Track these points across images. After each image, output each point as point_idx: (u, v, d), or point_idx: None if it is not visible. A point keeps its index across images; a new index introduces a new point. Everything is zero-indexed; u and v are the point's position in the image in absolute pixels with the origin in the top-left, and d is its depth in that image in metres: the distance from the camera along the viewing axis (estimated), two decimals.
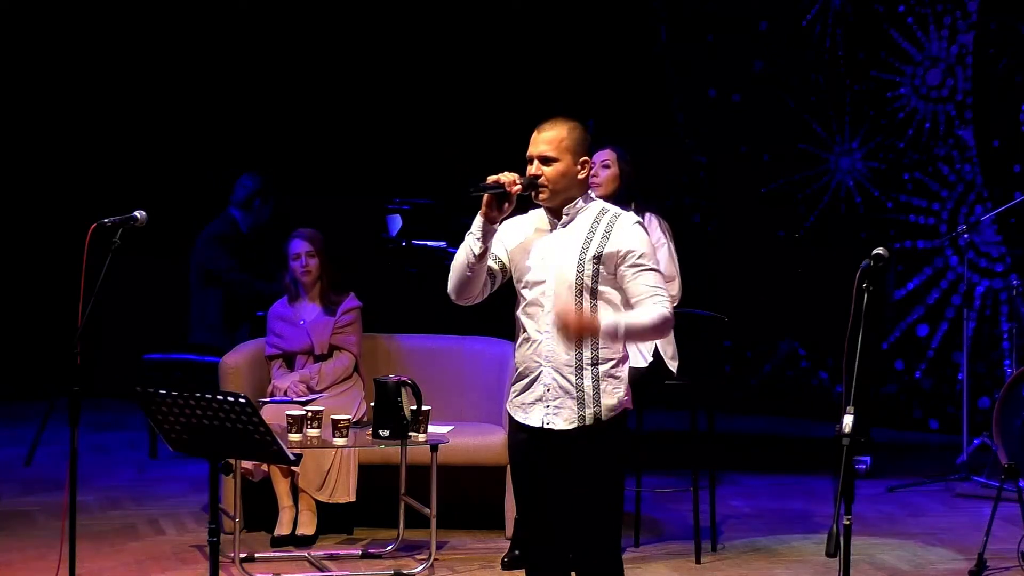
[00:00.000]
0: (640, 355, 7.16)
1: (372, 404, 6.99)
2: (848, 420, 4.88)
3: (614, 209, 5.15)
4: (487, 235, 5.04)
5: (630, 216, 5.13)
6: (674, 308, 7.03)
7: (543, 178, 5.06)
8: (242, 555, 6.88)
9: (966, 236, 9.07)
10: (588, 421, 5.04)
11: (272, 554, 7.21)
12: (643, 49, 11.25)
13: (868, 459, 8.98)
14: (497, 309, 8.49)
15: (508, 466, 7.46)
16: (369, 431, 6.93)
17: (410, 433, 6.87)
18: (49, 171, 11.17)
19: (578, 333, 4.96)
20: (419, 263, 8.92)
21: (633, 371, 7.13)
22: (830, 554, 4.79)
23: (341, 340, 7.67)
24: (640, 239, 5.06)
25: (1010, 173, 9.96)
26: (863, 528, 7.73)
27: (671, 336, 7.25)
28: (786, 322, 9.18)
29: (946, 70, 10.18)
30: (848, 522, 4.89)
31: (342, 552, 7.32)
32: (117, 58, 11.18)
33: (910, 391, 10.39)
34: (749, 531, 7.81)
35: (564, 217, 5.11)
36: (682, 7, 11.11)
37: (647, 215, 7.21)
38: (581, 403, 5.04)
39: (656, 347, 7.18)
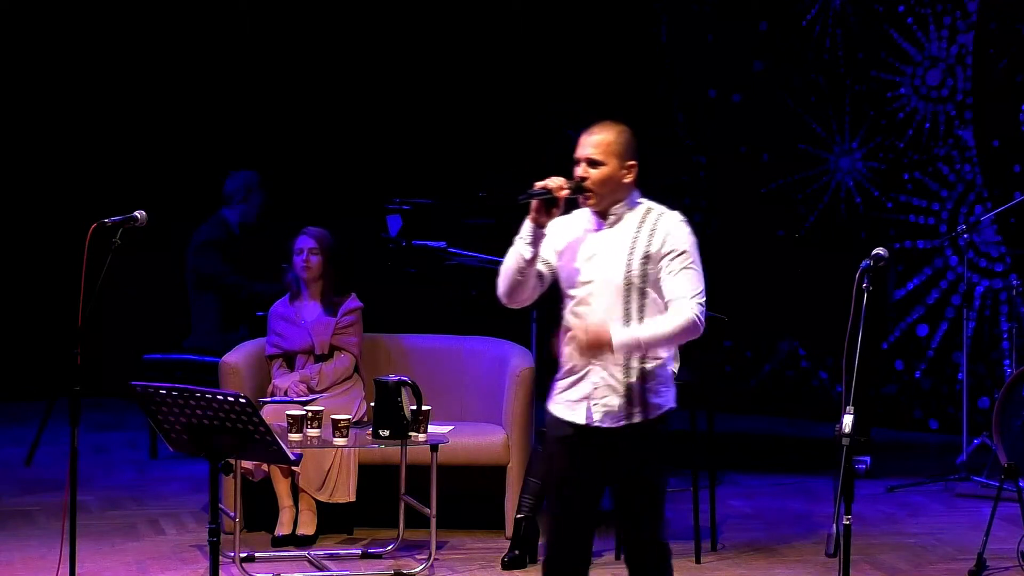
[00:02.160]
0: None
1: (372, 404, 6.99)
2: (848, 420, 4.88)
3: (659, 208, 5.21)
4: (537, 240, 5.09)
5: (675, 214, 5.20)
6: None
7: (589, 181, 5.12)
8: (242, 555, 6.88)
9: (966, 236, 9.07)
10: (635, 420, 5.09)
11: (272, 554, 7.21)
12: (643, 49, 11.25)
13: (868, 459, 8.98)
14: (497, 310, 8.51)
15: (506, 466, 7.51)
16: (369, 431, 6.93)
17: (410, 433, 6.87)
18: (49, 171, 11.17)
19: (591, 350, 5.02)
20: (419, 263, 8.92)
21: None
22: (830, 554, 4.80)
23: (342, 341, 7.67)
24: (684, 237, 5.13)
25: (1010, 173, 9.96)
26: (863, 528, 7.73)
27: None
28: (786, 322, 9.17)
29: (946, 70, 10.18)
30: (848, 522, 4.89)
31: (342, 552, 7.32)
32: (117, 58, 11.18)
33: (910, 391, 10.39)
34: (749, 531, 7.81)
35: (611, 217, 5.17)
36: (682, 7, 11.11)
37: None
38: (629, 402, 5.09)
39: None
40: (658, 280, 5.09)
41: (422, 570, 6.98)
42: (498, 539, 7.45)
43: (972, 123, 10.11)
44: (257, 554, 7.15)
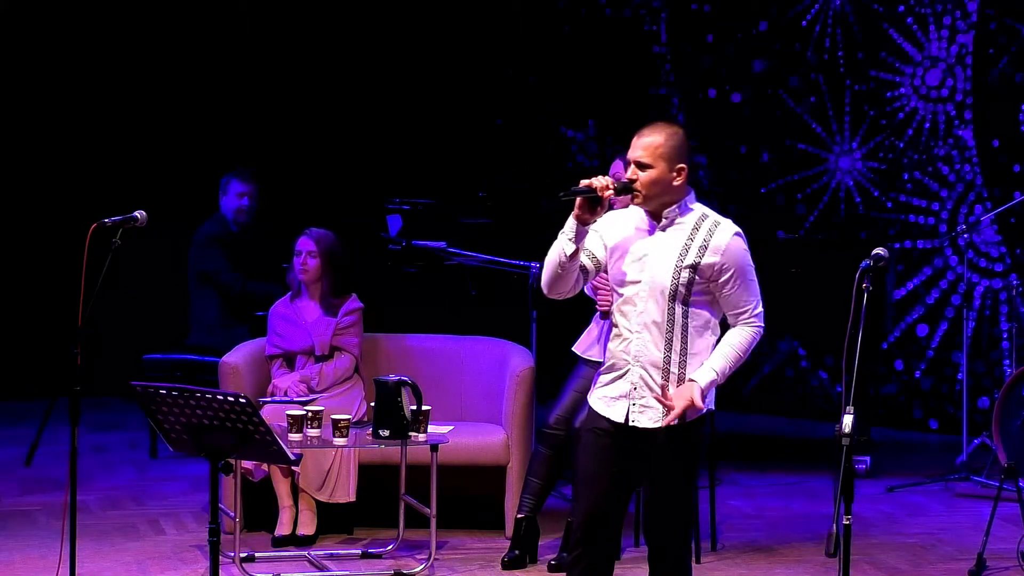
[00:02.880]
0: None
1: (372, 404, 6.99)
2: (848, 420, 4.88)
3: (713, 216, 5.24)
4: (579, 236, 5.12)
5: (730, 226, 5.23)
6: None
7: (638, 183, 5.16)
8: (242, 555, 6.88)
9: (966, 236, 9.07)
10: (674, 421, 5.12)
11: (272, 554, 7.21)
12: (643, 50, 11.25)
13: (868, 459, 8.98)
14: (498, 309, 8.53)
15: (506, 466, 7.51)
16: (369, 431, 6.93)
17: (410, 433, 6.87)
18: (49, 171, 11.16)
19: (684, 407, 5.07)
20: (419, 263, 8.92)
21: None
22: (830, 554, 4.80)
23: (342, 341, 7.67)
24: (739, 251, 5.18)
25: (1010, 173, 9.95)
26: (863, 528, 7.73)
27: None
28: (786, 322, 9.17)
29: (946, 70, 10.18)
30: (848, 522, 4.89)
31: (342, 552, 7.32)
32: (117, 58, 11.18)
33: (910, 391, 10.39)
34: (749, 531, 7.81)
35: (664, 220, 5.21)
36: (682, 7, 11.11)
37: None
38: (667, 402, 5.13)
39: None
40: (704, 289, 5.15)
41: (422, 570, 6.98)
42: (498, 539, 7.45)
43: (972, 123, 10.10)
44: (257, 554, 7.15)
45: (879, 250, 5.17)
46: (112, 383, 9.82)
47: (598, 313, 7.18)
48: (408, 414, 6.84)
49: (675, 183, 5.20)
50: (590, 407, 5.29)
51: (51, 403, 9.07)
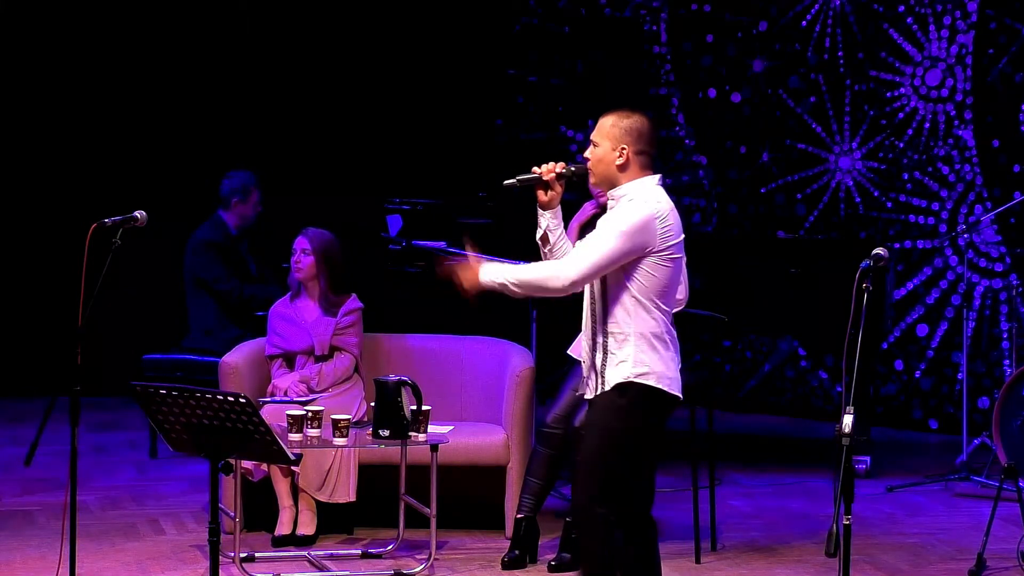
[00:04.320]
0: None
1: (372, 404, 6.99)
2: (848, 420, 4.89)
3: (634, 194, 5.36)
4: (540, 220, 5.43)
5: (639, 199, 5.33)
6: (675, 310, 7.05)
7: (590, 161, 5.42)
8: (242, 555, 6.88)
9: (966, 236, 9.07)
10: (598, 391, 5.41)
11: (272, 554, 7.21)
12: (643, 50, 11.24)
13: (868, 459, 8.98)
14: (498, 309, 8.52)
15: (506, 466, 7.51)
16: (369, 431, 6.93)
17: (410, 433, 6.87)
18: (49, 171, 11.16)
19: (462, 285, 5.32)
20: (419, 263, 8.92)
21: None
22: (830, 554, 4.80)
23: (342, 341, 7.67)
24: (612, 216, 5.32)
25: (1010, 173, 9.95)
26: (863, 528, 7.74)
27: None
28: (786, 322, 9.17)
29: (946, 70, 10.18)
30: (848, 522, 4.89)
31: (342, 552, 7.32)
32: (117, 58, 11.18)
33: (910, 391, 10.39)
34: (749, 531, 7.81)
35: (611, 202, 5.43)
36: (682, 7, 11.11)
37: None
38: (595, 376, 5.41)
39: None
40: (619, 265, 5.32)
41: (422, 570, 6.98)
42: (498, 539, 7.46)
43: (972, 123, 10.10)
44: (257, 554, 7.15)
45: (879, 250, 5.17)
46: (112, 383, 9.83)
47: None
48: (408, 414, 6.84)
49: (617, 162, 5.35)
50: None
51: (51, 403, 9.05)
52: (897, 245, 10.28)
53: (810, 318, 8.87)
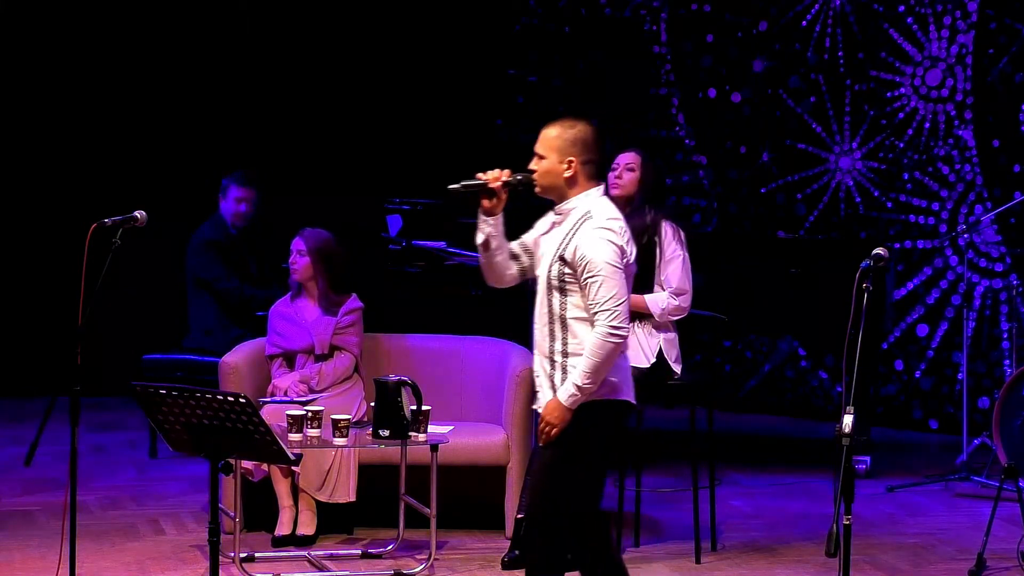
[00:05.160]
0: (643, 355, 7.16)
1: (372, 404, 6.99)
2: (848, 420, 4.89)
3: (597, 212, 5.35)
4: (483, 226, 5.41)
5: (598, 221, 5.33)
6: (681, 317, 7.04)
7: (535, 174, 5.41)
8: (242, 555, 6.88)
9: (966, 236, 9.07)
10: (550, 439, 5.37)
11: (272, 554, 7.21)
12: (643, 50, 11.25)
13: (868, 459, 8.98)
14: (498, 309, 8.52)
15: (506, 466, 7.51)
16: (369, 431, 6.93)
17: (410, 433, 6.87)
18: (49, 171, 11.16)
19: (553, 425, 5.31)
20: (419, 263, 8.92)
21: (635, 370, 7.16)
22: (830, 554, 4.80)
23: (342, 340, 7.67)
24: (596, 247, 5.28)
25: (1010, 173, 9.95)
26: (863, 528, 7.73)
27: (675, 339, 7.26)
28: (786, 322, 9.17)
29: (946, 70, 10.18)
30: (848, 522, 4.90)
31: (342, 552, 7.32)
32: (117, 58, 11.18)
33: (910, 391, 10.39)
34: (749, 531, 7.81)
35: (559, 216, 5.43)
36: (682, 7, 11.11)
37: (663, 224, 7.20)
38: (554, 389, 5.37)
39: (660, 349, 7.19)
40: (575, 281, 5.31)
41: (422, 570, 6.98)
42: (498, 539, 7.46)
43: (972, 123, 10.10)
44: (257, 554, 7.15)
45: (879, 250, 5.17)
46: (112, 383, 9.83)
47: None
48: (408, 414, 6.84)
49: (565, 175, 5.36)
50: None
51: (51, 403, 9.05)
52: (897, 245, 10.28)
53: (810, 318, 8.87)
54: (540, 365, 5.42)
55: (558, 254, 5.31)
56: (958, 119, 10.15)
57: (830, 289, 8.42)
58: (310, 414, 6.88)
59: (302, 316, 7.70)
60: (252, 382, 7.61)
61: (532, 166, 5.40)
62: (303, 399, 7.41)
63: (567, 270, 5.29)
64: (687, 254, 7.22)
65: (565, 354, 5.34)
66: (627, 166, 7.28)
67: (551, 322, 5.36)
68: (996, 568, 7.04)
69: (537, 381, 5.45)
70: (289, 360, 7.72)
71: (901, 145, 10.38)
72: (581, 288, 5.28)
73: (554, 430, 5.29)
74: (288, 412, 6.90)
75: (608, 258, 5.26)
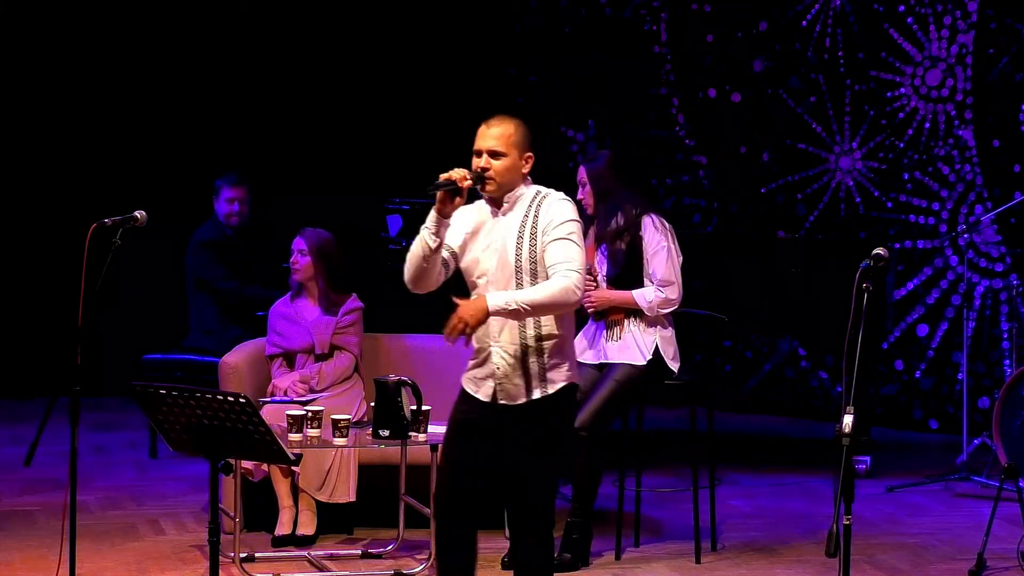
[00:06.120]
0: (640, 353, 7.16)
1: (372, 404, 6.99)
2: (848, 420, 4.88)
3: (546, 191, 5.47)
4: (440, 228, 5.38)
5: (558, 194, 5.45)
6: (673, 310, 7.06)
7: (491, 172, 5.42)
8: (242, 555, 6.88)
9: (966, 236, 9.07)
10: (535, 396, 5.38)
11: (272, 554, 7.21)
12: (643, 50, 11.25)
13: (868, 459, 8.98)
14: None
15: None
16: (369, 431, 6.93)
17: (410, 433, 6.87)
18: (49, 171, 11.16)
19: (466, 322, 5.25)
20: None
21: (632, 369, 7.17)
22: (830, 554, 4.80)
23: (342, 340, 7.67)
24: (563, 211, 5.38)
25: (1010, 173, 9.95)
26: (863, 528, 7.73)
27: (672, 336, 7.25)
28: (786, 322, 9.17)
29: (946, 70, 10.18)
30: (848, 522, 4.90)
31: (342, 552, 7.32)
32: (117, 58, 11.18)
33: (910, 391, 10.39)
34: (749, 531, 7.81)
35: (504, 205, 5.46)
36: (682, 7, 11.11)
37: (645, 218, 7.18)
38: (528, 380, 5.37)
39: (656, 346, 7.17)
40: (543, 255, 5.34)
41: (422, 570, 6.98)
42: (498, 539, 7.45)
43: (972, 123, 10.10)
44: (257, 554, 7.15)
45: (879, 250, 5.17)
46: (112, 383, 9.84)
47: (591, 317, 7.21)
48: (408, 414, 6.84)
49: (524, 170, 5.46)
50: (462, 387, 5.54)
51: (51, 403, 9.05)
52: (897, 245, 10.28)
53: (810, 318, 8.87)
54: (504, 356, 5.39)
55: (529, 234, 5.35)
56: (958, 119, 10.15)
57: (830, 289, 8.43)
58: (310, 414, 6.88)
59: (302, 316, 7.70)
60: (252, 382, 7.61)
61: (483, 165, 5.41)
62: (303, 399, 7.41)
63: (538, 246, 5.34)
64: (673, 245, 7.16)
65: (540, 338, 5.37)
66: (580, 183, 7.29)
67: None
68: (996, 568, 7.04)
69: (496, 374, 5.40)
70: (289, 360, 7.72)
71: (901, 145, 10.37)
72: (545, 250, 5.33)
73: (467, 329, 5.25)
74: (288, 412, 6.90)
75: (576, 222, 5.37)
